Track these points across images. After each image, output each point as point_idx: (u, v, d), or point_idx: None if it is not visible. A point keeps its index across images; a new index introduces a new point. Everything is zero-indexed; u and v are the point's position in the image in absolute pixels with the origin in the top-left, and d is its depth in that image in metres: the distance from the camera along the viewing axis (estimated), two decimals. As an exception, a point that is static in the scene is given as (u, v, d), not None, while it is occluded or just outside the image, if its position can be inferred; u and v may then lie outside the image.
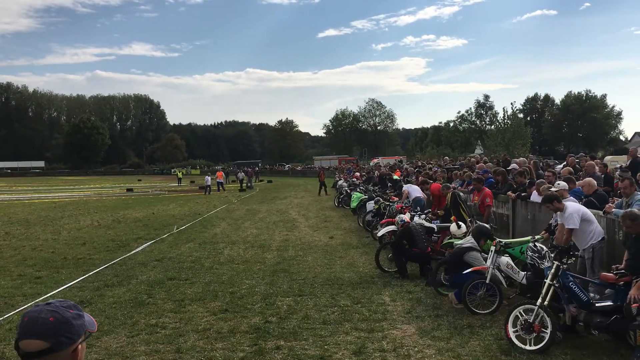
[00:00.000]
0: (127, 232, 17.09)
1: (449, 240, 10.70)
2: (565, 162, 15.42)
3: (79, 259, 12.34)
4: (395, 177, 22.04)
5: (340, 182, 29.69)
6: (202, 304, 8.34)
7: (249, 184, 45.61)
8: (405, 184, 18.07)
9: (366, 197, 19.26)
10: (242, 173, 47.96)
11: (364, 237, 15.45)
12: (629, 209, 6.88)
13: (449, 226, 11.48)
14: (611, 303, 6.13)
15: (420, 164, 27.94)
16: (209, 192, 37.56)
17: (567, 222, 7.27)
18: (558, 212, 7.69)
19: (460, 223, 10.24)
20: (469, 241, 8.70)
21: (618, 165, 16.51)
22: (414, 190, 14.45)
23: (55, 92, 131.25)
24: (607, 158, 32.12)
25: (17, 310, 7.92)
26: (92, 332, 1.80)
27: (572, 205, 7.50)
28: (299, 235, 16.20)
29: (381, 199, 16.11)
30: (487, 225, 9.38)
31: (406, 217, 11.34)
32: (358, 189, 23.31)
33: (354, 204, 19.59)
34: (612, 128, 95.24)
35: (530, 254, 7.32)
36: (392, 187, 20.06)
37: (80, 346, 1.75)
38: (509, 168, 14.66)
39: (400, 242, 10.37)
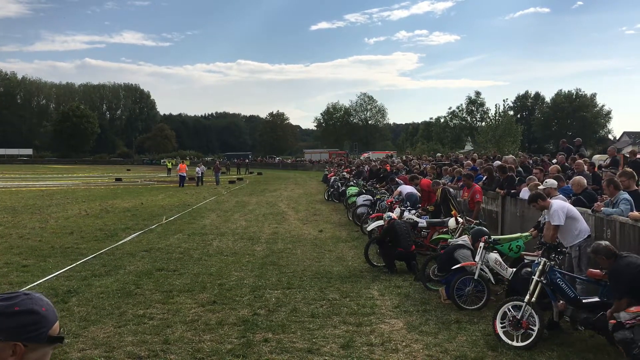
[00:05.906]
0: (116, 221, 16.97)
1: (439, 236, 10.75)
2: (555, 160, 15.49)
3: (66, 248, 12.23)
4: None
5: (333, 178, 29.54)
6: (190, 295, 8.32)
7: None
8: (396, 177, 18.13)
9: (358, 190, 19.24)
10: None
11: (354, 231, 15.47)
12: (595, 242, 6.52)
13: (439, 222, 11.54)
14: (598, 299, 6.20)
15: (404, 158, 27.96)
16: (201, 184, 37.21)
17: (552, 219, 7.33)
18: (544, 210, 7.74)
19: (459, 219, 10.26)
20: (462, 239, 8.75)
21: (598, 164, 16.54)
22: (406, 188, 14.46)
23: (44, 80, 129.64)
24: (595, 157, 32.36)
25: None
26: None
27: (557, 203, 7.56)
28: (288, 228, 16.19)
29: (386, 194, 16.05)
30: (486, 229, 9.24)
31: (393, 214, 11.30)
32: (352, 183, 23.26)
33: (352, 199, 18.37)
34: (601, 127, 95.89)
35: None
36: (384, 180, 20.03)
37: None
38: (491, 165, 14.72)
39: (384, 239, 10.40)
